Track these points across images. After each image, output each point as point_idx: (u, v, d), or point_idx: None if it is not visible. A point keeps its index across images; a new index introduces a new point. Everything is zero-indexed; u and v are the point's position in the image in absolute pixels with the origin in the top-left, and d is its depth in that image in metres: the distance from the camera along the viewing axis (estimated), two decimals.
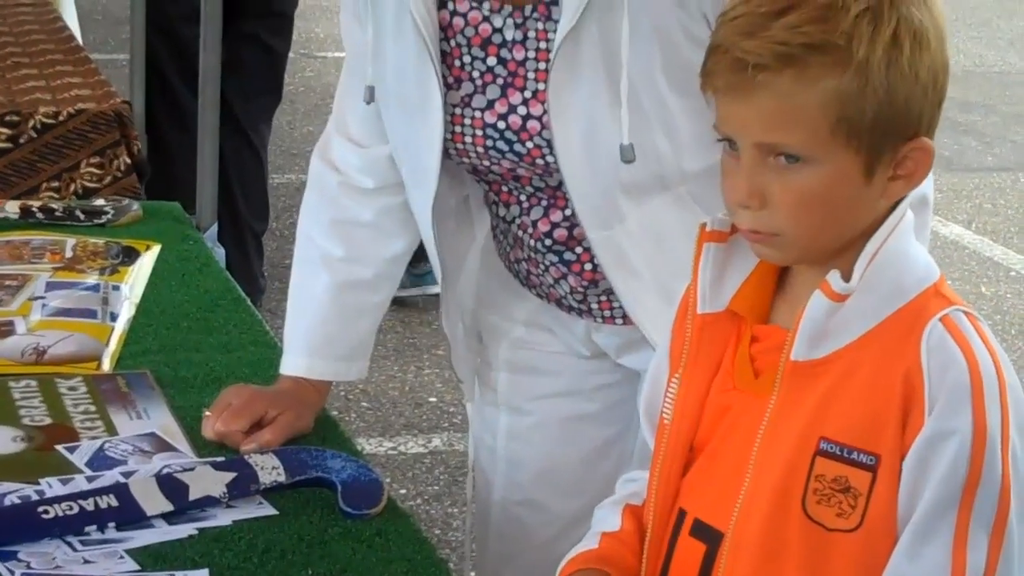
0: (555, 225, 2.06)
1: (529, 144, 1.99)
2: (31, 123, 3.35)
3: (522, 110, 1.98)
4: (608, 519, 1.74)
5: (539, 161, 2.00)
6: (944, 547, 1.48)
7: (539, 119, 1.97)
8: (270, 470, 1.99)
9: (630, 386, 2.21)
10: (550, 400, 2.24)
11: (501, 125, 2.00)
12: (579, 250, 2.07)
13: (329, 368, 2.23)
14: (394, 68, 2.03)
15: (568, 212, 2.04)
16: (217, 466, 1.99)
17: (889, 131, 1.50)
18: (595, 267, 2.06)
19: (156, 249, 2.86)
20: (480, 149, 2.02)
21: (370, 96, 2.07)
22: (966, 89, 8.87)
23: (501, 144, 2.01)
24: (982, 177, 7.29)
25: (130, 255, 2.81)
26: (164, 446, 2.09)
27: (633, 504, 1.72)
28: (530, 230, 2.08)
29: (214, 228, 3.29)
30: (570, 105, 1.93)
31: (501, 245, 2.19)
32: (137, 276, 2.72)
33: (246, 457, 2.02)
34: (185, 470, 1.98)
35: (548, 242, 2.07)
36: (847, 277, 1.51)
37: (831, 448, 1.51)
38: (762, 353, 1.58)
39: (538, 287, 2.15)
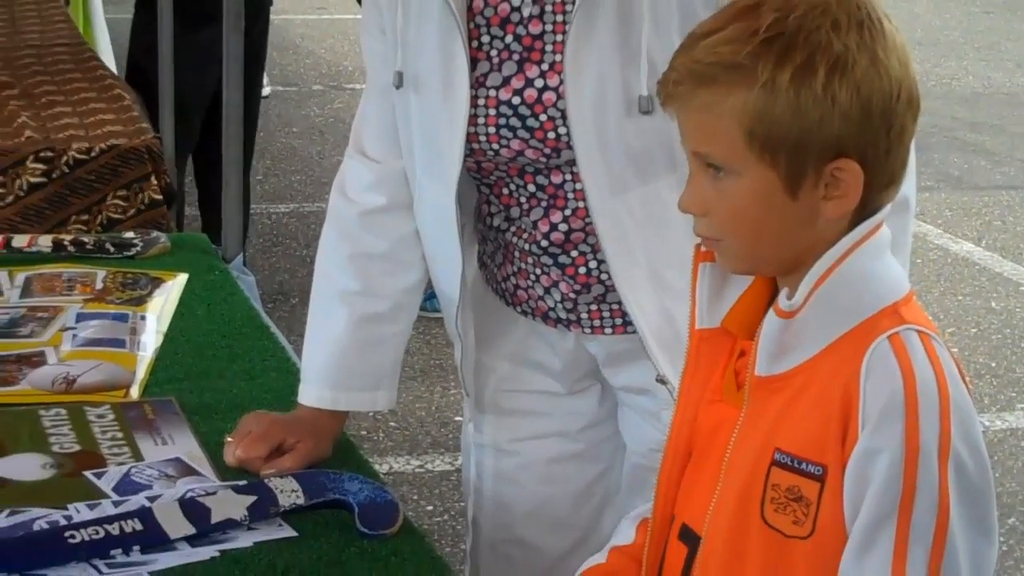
0: (554, 226, 2.05)
1: (543, 117, 1.98)
2: (64, 159, 3.36)
3: (539, 83, 1.98)
4: (624, 532, 1.78)
5: (550, 135, 1.99)
6: (883, 563, 1.48)
7: (555, 90, 1.97)
8: (289, 493, 2.00)
9: (613, 424, 2.22)
10: (535, 441, 2.23)
11: (516, 100, 1.99)
12: (575, 253, 2.06)
13: (353, 400, 2.21)
14: (419, 51, 2.03)
15: (567, 212, 2.04)
16: (238, 490, 2.00)
17: (803, 150, 1.51)
18: (589, 271, 2.06)
19: (183, 279, 2.87)
20: (491, 130, 2.01)
21: (399, 80, 2.06)
22: (975, 110, 8.85)
23: (514, 120, 2.00)
24: (991, 195, 7.25)
25: (158, 286, 2.82)
26: (188, 471, 2.09)
27: (648, 518, 1.74)
28: (526, 234, 2.07)
29: (239, 258, 3.30)
30: (584, 65, 1.94)
31: (488, 269, 2.18)
32: (164, 306, 2.73)
33: (266, 481, 2.03)
34: (207, 494, 1.99)
35: (545, 244, 2.06)
36: (794, 295, 1.53)
37: (784, 459, 1.54)
38: (744, 368, 1.60)
39: (525, 302, 2.14)
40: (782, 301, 1.54)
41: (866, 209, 1.55)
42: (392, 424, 4.60)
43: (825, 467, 1.51)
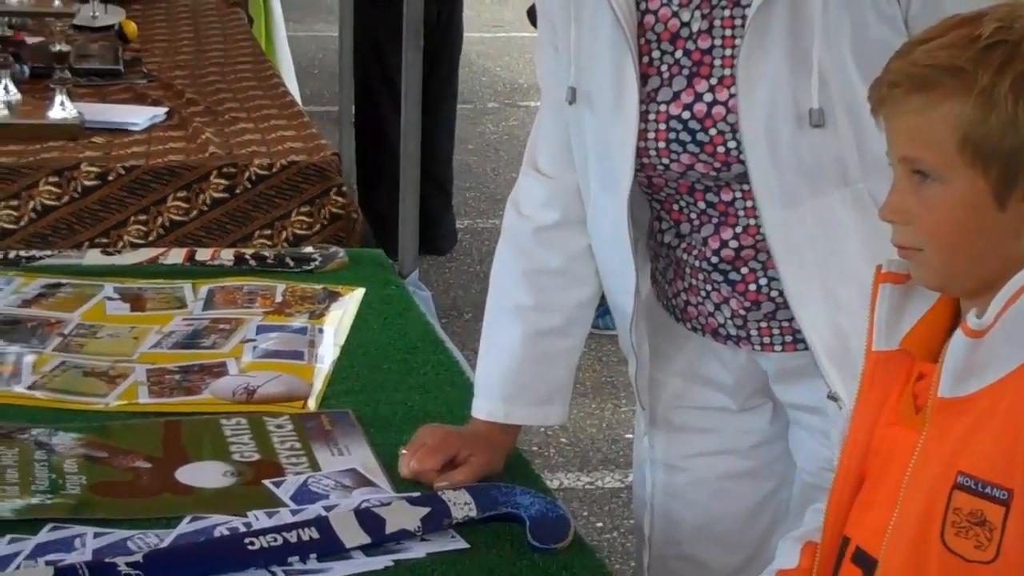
0: (724, 243, 2.06)
1: (712, 131, 1.99)
2: (247, 174, 3.44)
3: (708, 97, 1.99)
4: (788, 555, 1.77)
5: (720, 149, 1.99)
6: None
7: (724, 104, 1.98)
8: (462, 505, 2.02)
9: (784, 443, 2.21)
10: (706, 458, 2.23)
11: (685, 115, 2.00)
12: (745, 270, 2.06)
13: (526, 414, 2.23)
14: (591, 67, 2.05)
15: (738, 229, 2.04)
16: (412, 501, 2.03)
17: (1017, 161, 1.49)
18: (759, 288, 2.06)
19: (360, 293, 2.92)
20: (661, 144, 2.02)
21: (572, 96, 2.08)
22: None
23: (684, 135, 2.01)
24: None
25: (335, 300, 2.87)
26: (364, 481, 2.13)
27: (814, 542, 1.73)
28: (696, 251, 2.08)
29: (415, 273, 3.34)
30: (756, 79, 1.94)
31: (659, 285, 2.19)
32: (342, 320, 2.78)
33: (439, 493, 2.06)
34: (382, 504, 2.02)
35: (715, 260, 2.06)
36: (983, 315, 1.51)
37: (967, 482, 1.51)
38: (924, 390, 1.58)
39: (695, 319, 2.14)
40: (971, 320, 1.51)
41: None
42: (563, 440, 4.62)
43: (1011, 491, 1.48)
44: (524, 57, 9.95)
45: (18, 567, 1.87)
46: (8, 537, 1.93)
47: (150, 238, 3.38)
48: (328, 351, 2.62)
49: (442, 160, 6.18)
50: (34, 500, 2.05)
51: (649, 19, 2.02)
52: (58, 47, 3.74)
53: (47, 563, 1.87)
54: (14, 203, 3.36)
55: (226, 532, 1.97)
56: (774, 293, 2.05)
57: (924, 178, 1.53)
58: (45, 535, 1.95)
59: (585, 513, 4.20)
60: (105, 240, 3.36)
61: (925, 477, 1.55)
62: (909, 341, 1.62)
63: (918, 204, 1.53)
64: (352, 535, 1.95)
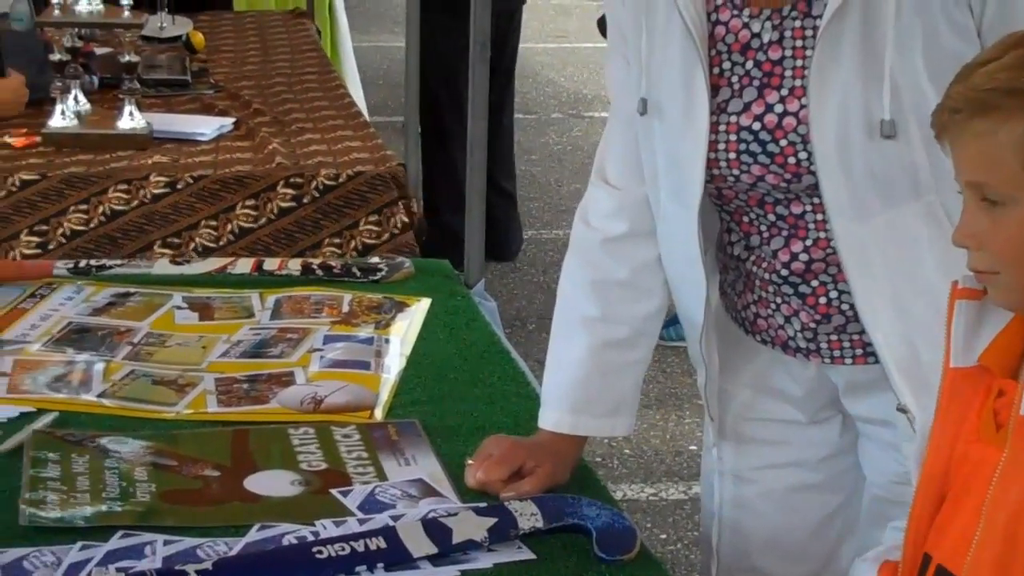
0: (794, 256, 2.05)
1: (783, 142, 1.99)
2: (314, 184, 3.46)
3: (779, 108, 1.99)
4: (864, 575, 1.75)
5: (791, 160, 1.99)
6: None
7: (795, 115, 1.98)
8: (529, 516, 2.03)
9: (854, 456, 2.20)
10: (775, 470, 2.23)
11: (756, 126, 2.00)
12: (815, 283, 2.06)
13: (592, 425, 2.23)
14: (661, 77, 2.06)
15: (808, 242, 2.04)
16: (479, 512, 2.03)
17: None
18: (829, 301, 2.05)
19: (426, 304, 2.93)
20: (732, 155, 2.02)
21: (643, 107, 2.08)
22: None
23: (754, 146, 2.01)
24: None
25: (402, 310, 2.88)
26: (430, 492, 2.14)
27: (891, 560, 1.72)
28: (766, 263, 2.08)
29: (481, 283, 3.35)
30: (827, 90, 1.94)
31: (729, 297, 2.19)
32: (408, 330, 2.79)
33: (506, 504, 2.06)
34: (449, 515, 2.03)
35: (785, 273, 2.06)
36: None
37: None
38: (1005, 407, 1.57)
39: (765, 331, 2.14)
40: None
41: None
42: (627, 452, 4.62)
43: None
44: (588, 68, 9.96)
45: (89, 574, 1.89)
46: (79, 544, 1.95)
47: (221, 242, 3.41)
48: (394, 361, 2.63)
49: (505, 166, 6.20)
50: (104, 507, 2.07)
51: (720, 30, 2.02)
52: (127, 58, 3.78)
53: (117, 570, 1.89)
54: (83, 207, 3.40)
55: (294, 541, 1.98)
56: (844, 306, 2.04)
57: (994, 200, 1.53)
58: (115, 542, 1.97)
59: (648, 524, 4.19)
60: (177, 240, 3.39)
61: (1009, 496, 1.54)
62: (987, 357, 1.61)
63: (990, 228, 1.53)
64: (419, 545, 1.96)
